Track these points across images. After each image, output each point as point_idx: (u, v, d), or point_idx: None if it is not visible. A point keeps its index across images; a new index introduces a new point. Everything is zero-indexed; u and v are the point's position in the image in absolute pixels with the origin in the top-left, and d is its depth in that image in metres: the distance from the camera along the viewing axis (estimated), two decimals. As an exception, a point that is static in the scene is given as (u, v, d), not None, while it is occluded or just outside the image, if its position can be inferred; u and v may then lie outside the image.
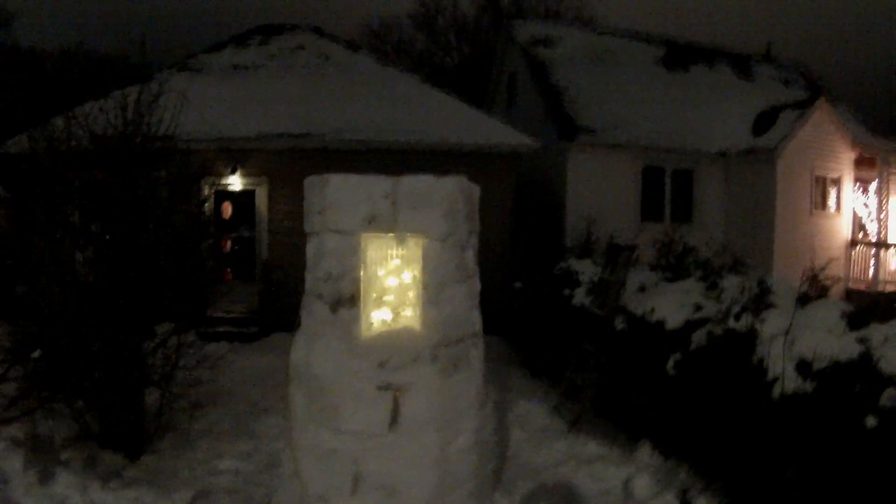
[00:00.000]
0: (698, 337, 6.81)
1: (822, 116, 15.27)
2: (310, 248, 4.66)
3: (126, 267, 5.89)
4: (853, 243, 15.91)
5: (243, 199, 12.58)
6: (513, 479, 6.05)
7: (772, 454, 5.40)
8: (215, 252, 11.12)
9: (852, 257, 15.46)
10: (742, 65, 18.97)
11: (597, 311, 8.42)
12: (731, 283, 7.57)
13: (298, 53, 15.09)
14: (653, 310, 7.57)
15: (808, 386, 5.38)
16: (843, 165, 15.82)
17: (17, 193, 6.39)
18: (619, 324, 8.03)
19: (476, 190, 4.80)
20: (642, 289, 8.44)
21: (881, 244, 15.91)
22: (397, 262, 4.50)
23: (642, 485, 6.09)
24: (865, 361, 5.14)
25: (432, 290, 4.43)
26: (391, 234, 4.38)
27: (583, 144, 14.76)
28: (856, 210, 16.49)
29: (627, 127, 15.11)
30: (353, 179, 4.35)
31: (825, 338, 5.63)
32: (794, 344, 5.68)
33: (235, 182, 12.32)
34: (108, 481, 5.39)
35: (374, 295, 4.52)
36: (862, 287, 14.91)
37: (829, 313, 5.92)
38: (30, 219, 5.98)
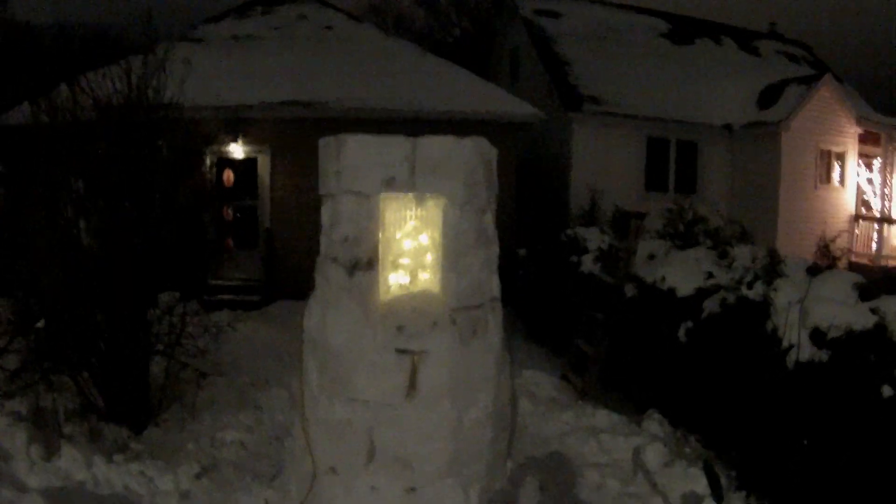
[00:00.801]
0: (710, 305, 6.75)
1: (827, 92, 15.17)
2: (325, 211, 4.51)
3: (130, 236, 5.78)
4: (857, 218, 15.83)
5: (245, 168, 12.42)
6: (522, 451, 6.00)
7: (786, 422, 5.36)
8: (217, 220, 11.03)
9: (855, 232, 15.41)
10: (747, 40, 18.86)
11: (607, 279, 8.33)
12: (741, 252, 7.50)
13: (300, 23, 14.87)
14: (664, 278, 7.50)
15: (823, 355, 5.36)
16: (848, 141, 15.71)
17: (16, 166, 6.25)
18: (630, 291, 7.95)
19: (494, 153, 4.65)
20: (652, 257, 8.36)
21: (885, 219, 15.87)
22: (414, 224, 4.38)
23: (653, 455, 6.02)
24: (880, 332, 5.14)
25: (452, 254, 4.28)
26: (410, 195, 4.27)
27: (587, 115, 14.65)
28: (860, 185, 16.40)
29: (632, 98, 14.98)
30: (371, 140, 4.21)
31: (839, 308, 5.62)
32: (809, 313, 5.65)
33: (237, 150, 12.16)
34: (112, 455, 5.26)
35: (392, 258, 4.36)
36: (865, 261, 14.89)
37: (840, 284, 5.91)
38: (30, 189, 5.85)
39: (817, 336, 5.51)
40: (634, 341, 7.64)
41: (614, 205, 11.10)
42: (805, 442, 4.96)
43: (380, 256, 4.30)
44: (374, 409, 4.26)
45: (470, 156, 4.30)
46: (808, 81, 15.42)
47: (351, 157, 4.23)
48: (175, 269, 6.35)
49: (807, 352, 5.45)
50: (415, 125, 11.96)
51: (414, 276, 4.43)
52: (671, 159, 15.53)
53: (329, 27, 14.79)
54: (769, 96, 15.20)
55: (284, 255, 11.84)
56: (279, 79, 12.32)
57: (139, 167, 5.72)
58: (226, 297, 11.11)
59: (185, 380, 6.47)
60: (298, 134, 11.58)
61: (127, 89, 5.80)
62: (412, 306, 4.30)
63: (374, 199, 4.23)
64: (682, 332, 6.97)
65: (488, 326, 4.56)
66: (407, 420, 4.24)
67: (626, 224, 8.63)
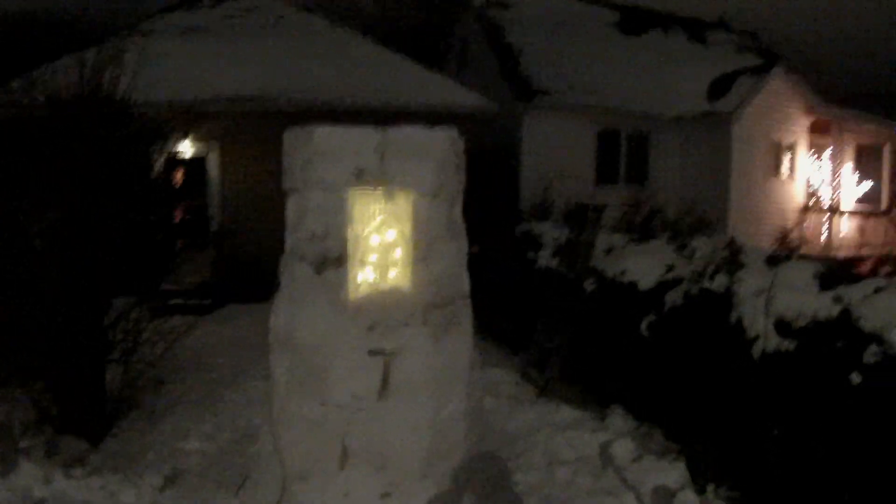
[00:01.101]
0: (672, 297, 6.75)
1: (778, 83, 15.33)
2: (290, 207, 4.33)
3: (83, 237, 5.51)
4: (806, 209, 16.08)
5: (195, 166, 12.06)
6: (489, 447, 5.88)
7: (755, 412, 5.38)
8: (167, 221, 10.65)
9: (805, 223, 15.64)
10: (696, 31, 18.92)
11: (566, 273, 8.30)
12: (701, 243, 7.54)
13: (251, 15, 14.56)
14: (624, 271, 7.48)
15: (790, 344, 5.37)
16: (799, 131, 15.92)
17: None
18: (590, 285, 7.92)
19: (462, 144, 4.56)
20: (610, 250, 8.34)
21: (834, 210, 16.20)
22: (383, 218, 4.21)
23: (622, 450, 5.99)
24: (845, 319, 5.16)
25: (422, 248, 4.15)
26: (379, 190, 4.13)
27: (539, 107, 14.54)
28: (809, 176, 16.66)
29: (584, 90, 14.94)
30: (340, 131, 4.05)
31: (802, 297, 5.65)
32: (773, 303, 5.67)
33: (187, 148, 11.81)
34: (71, 469, 5.01)
35: (361, 255, 4.20)
36: (814, 253, 15.19)
37: (801, 273, 5.93)
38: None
39: (782, 326, 5.53)
40: (596, 336, 7.61)
41: (569, 198, 11.06)
42: (775, 431, 4.97)
43: (349, 253, 4.14)
44: (346, 410, 4.11)
45: (441, 146, 4.19)
46: (759, 72, 15.56)
47: (319, 148, 4.07)
48: (127, 274, 6.07)
49: (773, 342, 5.45)
50: (367, 118, 11.80)
51: (384, 273, 4.28)
52: (622, 151, 15.56)
53: (280, 17, 14.52)
54: (720, 87, 15.31)
55: (236, 256, 11.53)
56: (229, 72, 12.01)
57: (90, 164, 5.44)
58: (175, 301, 10.72)
59: (141, 387, 6.20)
60: (249, 129, 11.30)
61: (79, 82, 5.52)
62: (383, 304, 4.16)
63: (343, 193, 4.07)
64: (644, 326, 6.95)
65: (461, 321, 4.46)
66: (381, 420, 4.11)
67: (583, 217, 8.62)
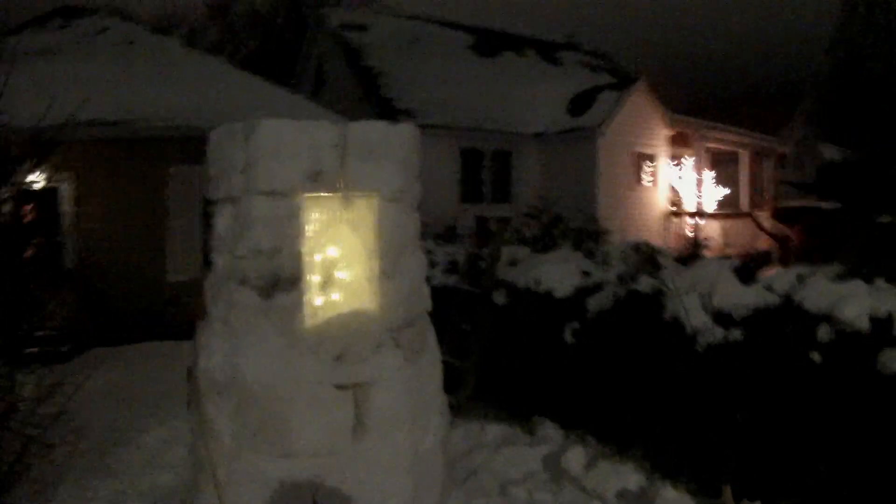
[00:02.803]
0: (597, 302, 6.44)
1: (640, 97, 15.69)
2: (221, 221, 3.43)
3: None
4: (670, 214, 16.53)
5: (46, 199, 10.45)
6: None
7: (706, 403, 5.14)
8: (16, 261, 9.09)
9: (670, 227, 16.15)
10: (549, 51, 19.28)
11: (471, 289, 7.78)
12: (610, 249, 7.37)
13: (102, 37, 13.08)
14: (538, 280, 7.09)
15: (738, 334, 5.26)
16: (659, 142, 16.35)
17: None
18: (500, 298, 7.46)
19: (419, 140, 3.91)
20: (514, 262, 7.95)
21: (699, 213, 16.76)
22: (341, 227, 3.47)
23: (573, 460, 5.58)
24: (789, 305, 5.10)
25: (388, 261, 3.43)
26: (338, 195, 3.37)
27: (402, 128, 14.12)
28: (672, 183, 17.16)
29: (445, 110, 14.63)
30: (292, 125, 3.23)
31: (733, 290, 5.63)
32: (709, 297, 5.53)
33: (37, 180, 10.21)
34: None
35: (316, 272, 3.46)
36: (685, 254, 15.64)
37: (721, 269, 5.94)
38: None
39: (722, 318, 5.44)
40: (512, 349, 7.16)
41: (436, 218, 10.60)
42: (739, 417, 4.74)
43: (304, 271, 3.34)
44: (316, 458, 3.28)
45: (406, 141, 3.52)
46: (621, 87, 15.94)
47: (266, 146, 3.22)
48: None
49: (718, 333, 5.30)
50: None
51: (344, 293, 3.50)
52: (485, 169, 15.39)
53: (132, 40, 13.15)
54: (580, 103, 15.55)
55: (96, 296, 10.10)
56: (83, 97, 10.56)
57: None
58: (31, 350, 9.14)
59: (24, 454, 4.91)
60: (105, 158, 9.99)
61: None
62: (347, 329, 3.37)
63: (296, 199, 3.27)
64: (568, 334, 6.60)
65: (428, 341, 3.77)
66: (357, 465, 3.31)
67: (484, 231, 8.19)
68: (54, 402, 5.46)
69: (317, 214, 3.36)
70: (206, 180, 3.58)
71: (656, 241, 12.34)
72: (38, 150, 8.97)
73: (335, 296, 3.46)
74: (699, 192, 17.03)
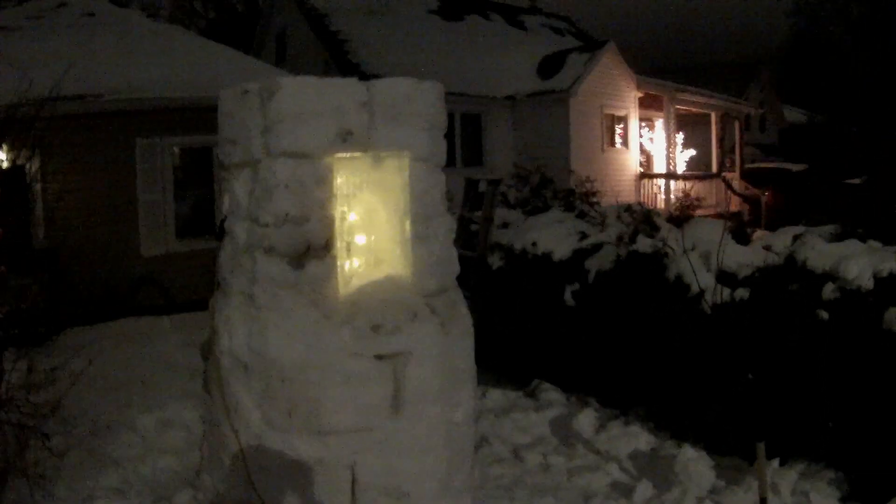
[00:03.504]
0: (598, 262, 6.32)
1: (609, 59, 15.49)
2: (239, 187, 3.15)
3: None
4: (642, 176, 16.48)
5: (12, 178, 9.87)
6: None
7: (712, 363, 5.08)
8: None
9: (641, 189, 16.08)
10: (513, 15, 19.04)
11: (465, 252, 7.60)
12: (607, 211, 7.26)
13: (61, 12, 12.34)
14: (535, 243, 6.95)
15: (744, 293, 5.17)
16: (630, 105, 16.23)
17: None
18: (496, 262, 7.31)
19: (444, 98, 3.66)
20: (506, 225, 7.80)
21: (670, 175, 16.74)
22: (371, 190, 3.24)
23: (585, 422, 5.50)
24: (792, 264, 5.07)
25: (420, 224, 3.20)
26: (368, 155, 3.13)
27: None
28: (643, 144, 17.11)
29: (414, 74, 14.28)
30: (317, 84, 2.97)
31: (733, 249, 5.55)
32: (710, 257, 5.46)
33: (2, 158, 9.65)
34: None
35: (346, 239, 3.23)
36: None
37: (715, 229, 5.88)
38: None
39: (727, 277, 5.36)
40: (507, 313, 7.03)
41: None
42: (750, 375, 4.68)
43: (336, 237, 3.10)
44: (353, 437, 3.07)
45: (433, 100, 3.26)
46: (591, 49, 15.71)
47: (289, 106, 2.93)
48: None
49: (726, 293, 5.21)
50: (199, 112, 10.35)
51: (376, 259, 3.28)
52: (457, 133, 15.09)
53: (92, 14, 12.44)
54: (550, 66, 15.30)
55: (69, 274, 9.64)
56: (44, 73, 9.97)
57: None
58: (12, 331, 8.69)
59: (21, 445, 4.58)
60: (73, 133, 9.44)
61: None
62: (381, 298, 3.15)
63: (325, 161, 3.01)
64: (568, 295, 6.48)
65: (460, 308, 3.57)
66: (395, 441, 3.11)
67: (472, 193, 7.97)
68: (46, 390, 5.15)
69: (344, 177, 3.12)
70: (219, 144, 3.28)
71: (628, 201, 12.33)
72: (2, 128, 8.48)
73: (367, 263, 3.24)
74: (670, 153, 17.03)
